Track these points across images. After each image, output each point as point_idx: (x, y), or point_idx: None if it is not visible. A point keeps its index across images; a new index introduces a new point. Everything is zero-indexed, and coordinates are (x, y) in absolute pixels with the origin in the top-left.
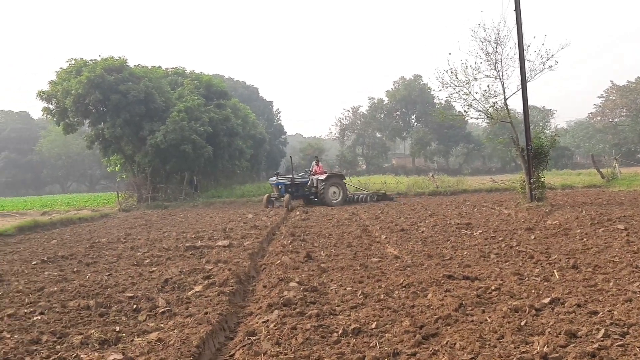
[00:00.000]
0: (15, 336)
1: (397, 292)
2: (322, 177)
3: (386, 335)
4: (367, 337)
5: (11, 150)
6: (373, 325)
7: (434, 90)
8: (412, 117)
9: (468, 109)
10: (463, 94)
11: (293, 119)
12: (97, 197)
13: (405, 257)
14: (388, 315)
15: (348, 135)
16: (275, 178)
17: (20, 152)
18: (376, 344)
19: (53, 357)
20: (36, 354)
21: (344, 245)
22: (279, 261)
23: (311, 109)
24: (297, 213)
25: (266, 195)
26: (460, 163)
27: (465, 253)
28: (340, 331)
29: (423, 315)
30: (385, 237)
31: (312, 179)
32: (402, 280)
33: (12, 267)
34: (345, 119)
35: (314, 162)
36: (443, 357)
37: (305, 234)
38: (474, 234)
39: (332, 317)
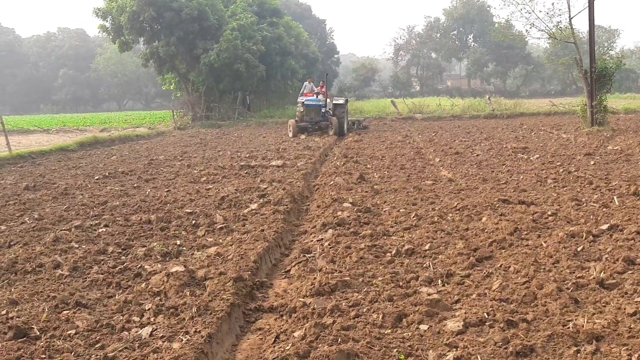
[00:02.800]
0: (83, 246)
1: (450, 215)
2: (341, 100)
3: (439, 256)
4: (420, 258)
5: (69, 67)
6: (426, 247)
7: (494, 8)
8: (470, 37)
9: (530, 28)
10: (525, 12)
11: (346, 38)
12: (152, 114)
13: (460, 180)
14: (441, 237)
15: (402, 55)
16: (315, 98)
17: (78, 69)
18: (429, 265)
19: (119, 267)
20: (103, 264)
21: (397, 168)
22: (332, 182)
23: (365, 28)
24: (350, 135)
25: (291, 121)
26: (518, 85)
27: (522, 177)
28: (393, 251)
29: (477, 238)
30: (439, 160)
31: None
32: (456, 203)
33: (76, 181)
34: (400, 38)
35: (307, 82)
36: (497, 279)
37: (358, 155)
38: (531, 158)
39: (385, 237)
